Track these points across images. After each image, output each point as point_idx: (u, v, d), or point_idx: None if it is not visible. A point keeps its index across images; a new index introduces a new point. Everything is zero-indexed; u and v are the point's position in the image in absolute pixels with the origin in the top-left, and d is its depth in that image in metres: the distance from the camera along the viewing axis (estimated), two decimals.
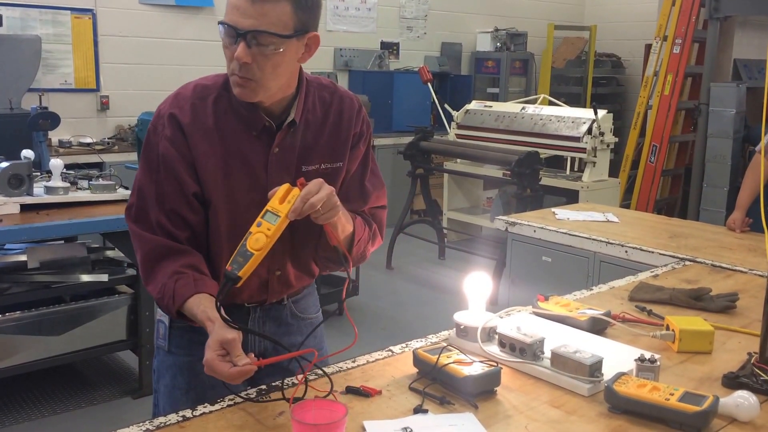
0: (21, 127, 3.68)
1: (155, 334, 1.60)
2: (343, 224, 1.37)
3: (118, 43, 5.38)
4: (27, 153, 3.19)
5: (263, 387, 1.34)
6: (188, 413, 1.24)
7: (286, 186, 1.26)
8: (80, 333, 2.95)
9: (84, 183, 3.18)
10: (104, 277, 2.98)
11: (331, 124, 1.47)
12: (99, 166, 4.25)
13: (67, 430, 2.86)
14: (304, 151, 1.44)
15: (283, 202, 1.24)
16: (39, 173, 3.21)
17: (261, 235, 1.22)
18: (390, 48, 7.06)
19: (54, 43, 5.07)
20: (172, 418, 1.22)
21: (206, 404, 1.26)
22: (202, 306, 1.29)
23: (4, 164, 2.91)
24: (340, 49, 6.68)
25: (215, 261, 1.45)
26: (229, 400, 1.28)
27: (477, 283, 1.48)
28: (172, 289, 1.34)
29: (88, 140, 5.05)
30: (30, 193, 2.94)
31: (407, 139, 5.45)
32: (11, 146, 3.26)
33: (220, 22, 1.30)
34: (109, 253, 3.23)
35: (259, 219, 1.24)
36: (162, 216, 1.39)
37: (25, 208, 2.89)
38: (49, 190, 2.99)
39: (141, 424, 1.20)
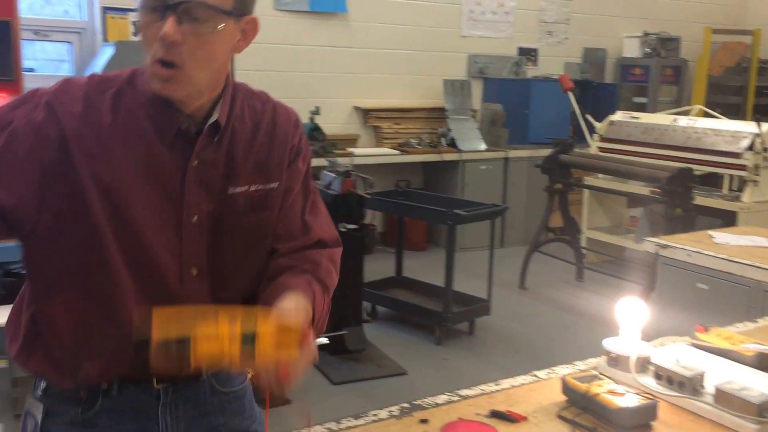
0: None
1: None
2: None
3: (252, 50, 5.65)
4: None
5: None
6: (333, 425, 1.32)
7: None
8: None
9: None
10: None
11: (264, 137, 1.27)
12: None
13: None
14: (230, 169, 1.22)
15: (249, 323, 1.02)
16: None
17: (214, 343, 1.01)
18: (528, 54, 7.03)
19: None
20: (317, 429, 1.31)
21: None
22: None
23: None
24: (475, 56, 6.73)
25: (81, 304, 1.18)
26: None
27: (630, 309, 1.48)
28: None
29: None
30: None
31: (543, 152, 5.41)
32: None
33: None
34: None
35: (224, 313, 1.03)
36: None
37: None
38: None
39: None
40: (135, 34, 4.82)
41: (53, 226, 1.14)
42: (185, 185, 1.18)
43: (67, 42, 5.21)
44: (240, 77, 5.00)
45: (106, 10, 5.12)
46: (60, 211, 1.12)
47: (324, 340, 3.73)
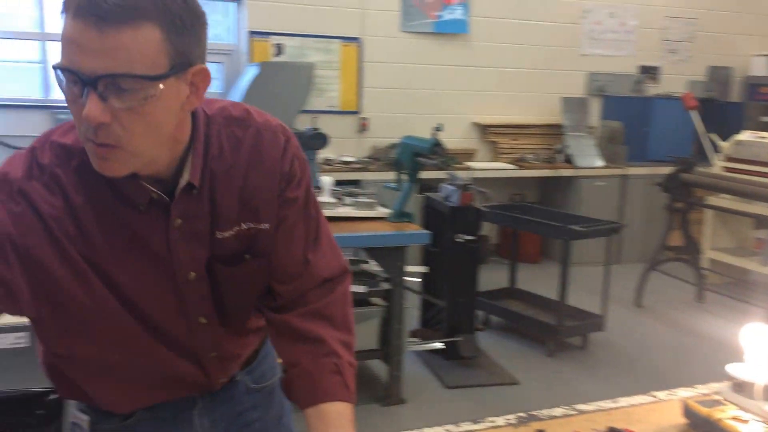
0: None
1: None
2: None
3: (379, 69, 5.81)
4: None
5: None
6: (452, 427, 1.32)
7: None
8: None
9: (348, 199, 3.49)
10: (362, 289, 3.24)
11: (248, 170, 1.09)
12: (356, 183, 4.64)
13: None
14: (215, 214, 1.08)
15: None
16: None
17: None
18: (649, 72, 6.76)
19: (324, 69, 5.62)
20: (438, 430, 1.32)
21: None
22: None
23: None
24: (594, 74, 6.54)
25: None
26: None
27: (756, 335, 1.39)
28: None
29: (348, 159, 5.51)
30: None
31: (663, 170, 5.17)
32: None
33: (54, 66, 0.90)
34: (366, 267, 3.50)
35: None
36: None
37: None
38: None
39: None
40: (276, 55, 5.04)
41: (55, 307, 1.02)
42: (171, 246, 1.05)
43: (218, 62, 5.51)
44: (367, 94, 5.10)
45: (251, 33, 5.37)
46: (61, 290, 1.00)
47: (439, 345, 3.74)
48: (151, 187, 1.01)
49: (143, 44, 0.88)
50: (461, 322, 3.77)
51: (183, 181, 1.03)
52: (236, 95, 4.79)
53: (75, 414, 1.22)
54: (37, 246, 0.97)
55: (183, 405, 1.23)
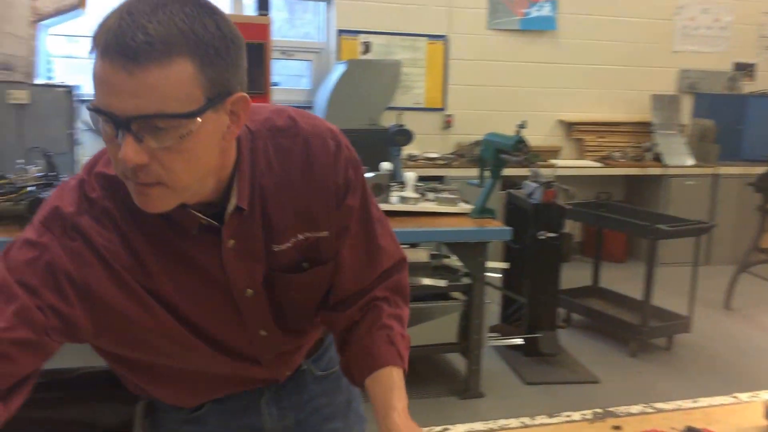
0: (380, 142, 4.24)
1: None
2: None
3: (465, 66, 5.80)
4: (387, 165, 3.63)
5: None
6: (527, 420, 1.34)
7: None
8: (417, 331, 3.27)
9: (430, 195, 3.52)
10: (442, 283, 3.27)
11: (299, 184, 1.05)
12: (440, 179, 4.66)
13: None
14: (268, 229, 1.05)
15: None
16: (393, 184, 3.64)
17: None
18: (744, 69, 6.45)
19: (410, 67, 5.65)
20: (513, 422, 1.34)
21: None
22: None
23: (369, 174, 3.37)
24: (686, 71, 6.31)
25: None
26: None
27: None
28: None
29: (432, 155, 5.54)
30: (387, 201, 3.36)
31: (757, 169, 4.94)
32: (372, 159, 3.75)
33: (88, 107, 0.87)
34: (447, 261, 3.53)
35: None
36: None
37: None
38: (402, 200, 3.38)
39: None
40: (363, 53, 5.13)
41: (117, 333, 1.02)
42: (225, 267, 1.03)
43: (307, 60, 5.64)
44: (452, 91, 5.10)
45: (340, 32, 5.48)
46: (123, 317, 1.00)
47: (519, 341, 3.73)
48: (199, 215, 0.99)
49: (175, 81, 0.82)
50: (542, 318, 3.74)
51: (231, 206, 1.00)
52: (324, 93, 4.90)
53: (144, 401, 1.25)
54: (95, 280, 0.96)
55: (250, 396, 1.24)
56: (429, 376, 3.63)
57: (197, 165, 0.90)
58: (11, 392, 0.92)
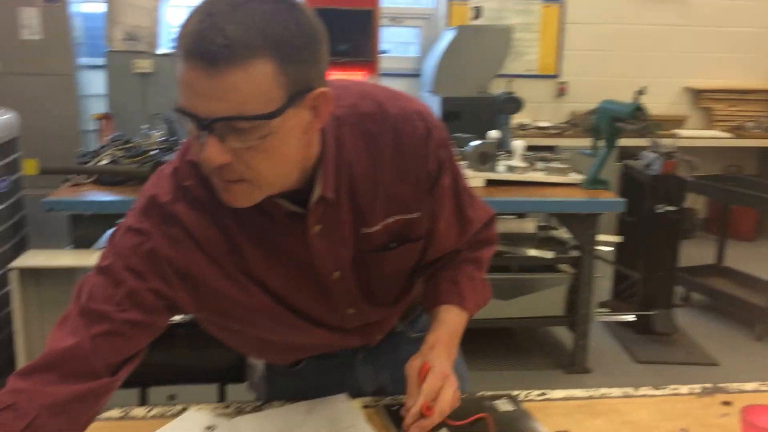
0: (488, 110, 4.20)
1: (248, 379, 1.45)
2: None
3: (582, 31, 5.59)
4: (494, 133, 3.59)
5: None
6: (631, 390, 1.31)
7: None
8: (522, 302, 3.24)
9: (539, 164, 3.45)
10: (549, 254, 3.22)
11: (389, 170, 1.06)
12: (551, 149, 4.55)
13: (497, 387, 3.19)
14: (357, 215, 1.07)
15: None
16: (501, 152, 3.59)
17: None
18: None
19: (523, 32, 5.52)
20: (615, 391, 1.31)
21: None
22: None
23: (476, 143, 3.34)
24: None
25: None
26: None
27: None
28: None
29: (544, 124, 5.40)
30: (493, 170, 3.32)
31: None
32: (479, 127, 3.72)
33: (174, 108, 0.91)
34: (555, 233, 3.46)
35: None
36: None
37: (488, 183, 3.27)
38: (510, 169, 3.33)
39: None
40: (474, 19, 5.05)
41: (219, 309, 1.10)
42: (312, 251, 1.06)
43: (417, 27, 5.63)
44: (568, 57, 4.91)
45: None
46: (223, 298, 1.06)
47: (630, 317, 3.61)
48: (284, 203, 1.02)
49: (255, 82, 0.84)
50: (657, 296, 3.60)
51: (315, 195, 1.01)
52: (432, 60, 4.87)
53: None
54: (195, 264, 1.02)
55: (346, 355, 1.31)
56: (533, 348, 3.60)
57: (280, 162, 0.92)
58: (120, 367, 1.00)
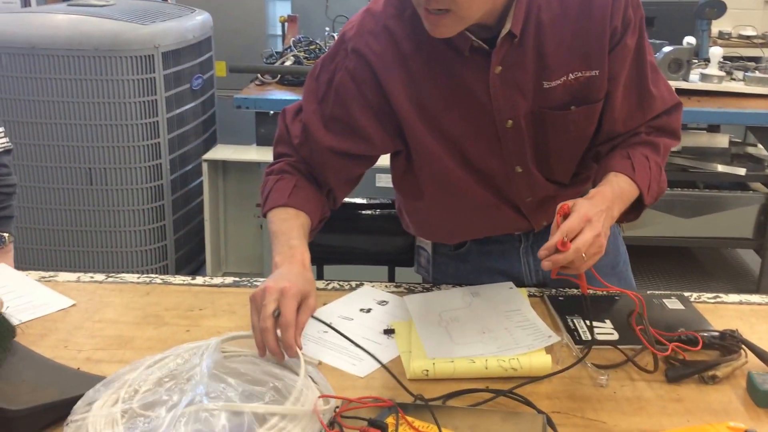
0: (687, 15, 3.91)
1: (415, 262, 1.54)
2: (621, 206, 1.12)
3: None
4: (689, 39, 3.36)
5: None
6: None
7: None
8: (706, 221, 3.11)
9: (739, 74, 3.20)
10: (741, 171, 3.03)
11: (576, 20, 1.11)
12: (756, 60, 4.16)
13: None
14: (541, 64, 1.12)
15: None
16: (696, 60, 3.36)
17: None
18: None
19: None
20: None
21: None
22: (293, 230, 1.15)
23: (668, 48, 3.14)
24: None
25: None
26: None
27: None
28: (270, 189, 1.21)
29: (750, 33, 4.93)
30: (686, 79, 3.12)
31: None
32: (676, 32, 3.49)
33: None
34: (750, 149, 3.24)
35: None
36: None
37: (680, 92, 3.09)
38: (703, 78, 3.12)
39: None
40: None
41: (399, 151, 1.23)
42: (491, 93, 1.13)
43: None
44: None
45: None
46: (396, 138, 1.20)
47: None
48: (472, 36, 1.09)
49: None
50: None
51: (504, 30, 1.09)
52: None
53: (419, 238, 1.48)
54: (374, 98, 1.16)
55: (510, 241, 1.37)
56: (716, 271, 3.51)
57: None
58: (335, 190, 1.25)
